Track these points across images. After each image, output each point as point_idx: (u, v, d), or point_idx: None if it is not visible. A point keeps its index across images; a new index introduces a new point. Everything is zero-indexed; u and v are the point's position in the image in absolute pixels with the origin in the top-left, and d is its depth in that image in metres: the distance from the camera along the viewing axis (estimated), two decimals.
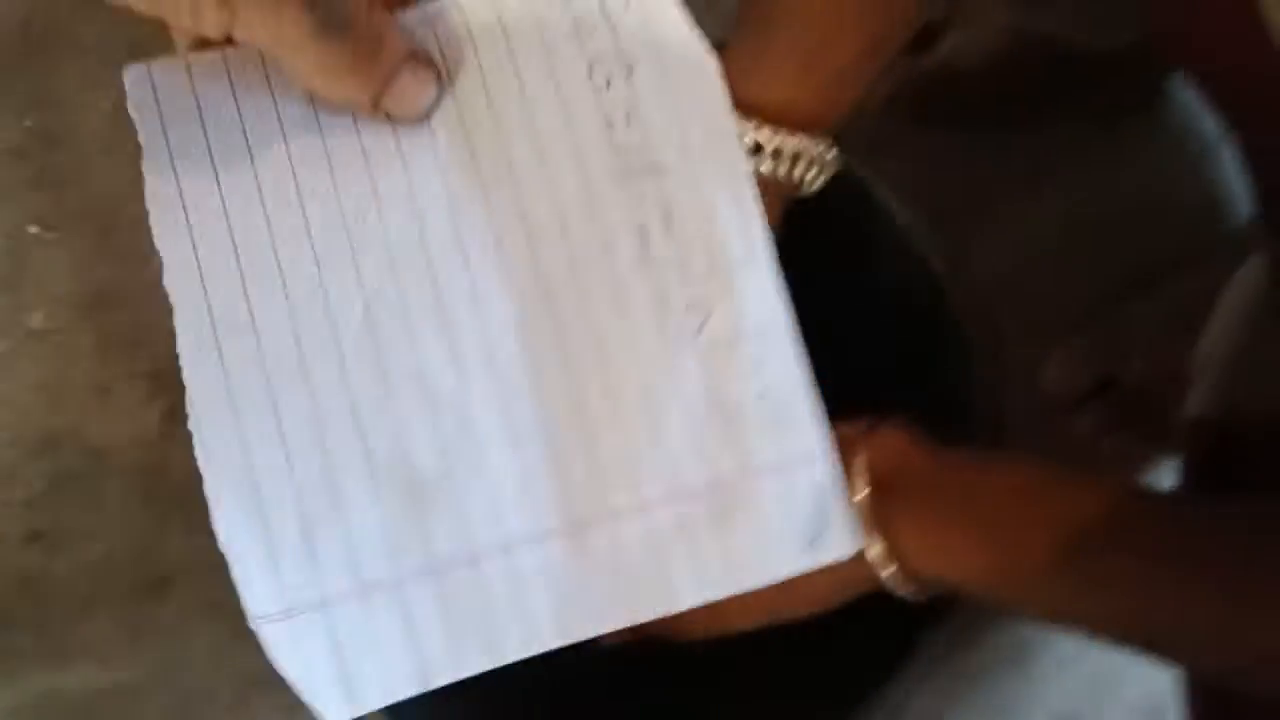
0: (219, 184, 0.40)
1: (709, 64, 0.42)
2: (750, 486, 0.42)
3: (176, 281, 0.39)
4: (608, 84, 0.42)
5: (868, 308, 0.58)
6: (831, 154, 0.47)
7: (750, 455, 0.42)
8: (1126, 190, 0.85)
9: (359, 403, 0.41)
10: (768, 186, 0.46)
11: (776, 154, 0.45)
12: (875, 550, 0.44)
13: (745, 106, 0.44)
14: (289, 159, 0.41)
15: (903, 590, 0.45)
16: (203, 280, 0.39)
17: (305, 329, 0.40)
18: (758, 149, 0.45)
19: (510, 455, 0.42)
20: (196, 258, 0.39)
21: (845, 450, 0.45)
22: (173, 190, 0.39)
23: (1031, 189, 0.85)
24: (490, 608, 0.42)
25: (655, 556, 0.42)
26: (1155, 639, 0.44)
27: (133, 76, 0.40)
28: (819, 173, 0.47)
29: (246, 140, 0.41)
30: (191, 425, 0.38)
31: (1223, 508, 0.46)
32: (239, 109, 0.41)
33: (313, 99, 0.40)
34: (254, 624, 0.39)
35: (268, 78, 0.40)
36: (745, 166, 0.42)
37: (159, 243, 0.38)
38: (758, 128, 0.45)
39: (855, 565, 0.44)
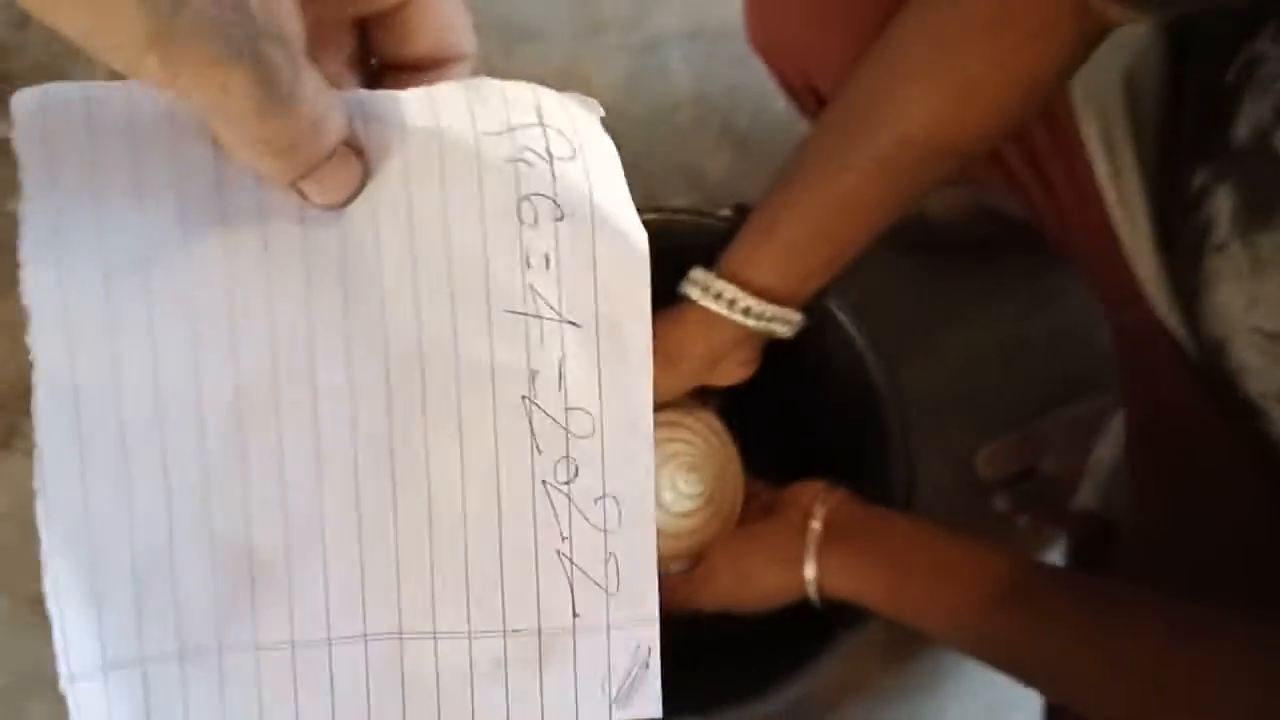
0: (100, 235, 0.36)
1: (639, 240, 0.41)
2: (580, 639, 0.41)
3: (42, 336, 0.36)
4: (535, 220, 0.39)
5: (825, 406, 0.73)
6: (799, 317, 0.63)
7: (588, 611, 0.41)
8: (1053, 324, 0.97)
9: (213, 479, 0.39)
10: (751, 337, 0.62)
11: (760, 315, 0.61)
12: (810, 573, 0.60)
13: (741, 282, 0.60)
14: (183, 227, 0.37)
15: (822, 602, 0.61)
16: (69, 336, 0.36)
17: (171, 400, 0.38)
18: (747, 311, 0.60)
19: (350, 559, 0.40)
20: (65, 313, 0.36)
21: (808, 498, 0.62)
22: (47, 234, 0.35)
23: (976, 313, 0.97)
24: (302, 693, 0.41)
25: (469, 684, 0.41)
26: (1001, 663, 0.57)
27: (24, 103, 0.35)
28: (790, 328, 0.63)
29: (139, 194, 0.36)
30: (36, 483, 0.35)
31: (1065, 573, 0.60)
32: (135, 158, 0.36)
33: (218, 157, 0.36)
34: (66, 685, 0.37)
35: (170, 124, 0.36)
36: (647, 340, 0.41)
37: (28, 291, 0.35)
38: (747, 297, 0.60)
39: (795, 579, 0.60)
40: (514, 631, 0.42)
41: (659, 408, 0.65)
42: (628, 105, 0.95)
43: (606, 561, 0.41)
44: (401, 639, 0.41)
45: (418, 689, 0.41)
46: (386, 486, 0.40)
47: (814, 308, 0.64)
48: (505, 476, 0.41)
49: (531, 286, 0.40)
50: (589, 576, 0.41)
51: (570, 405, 0.41)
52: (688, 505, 0.65)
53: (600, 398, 0.41)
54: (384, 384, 0.40)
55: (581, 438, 0.41)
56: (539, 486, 0.41)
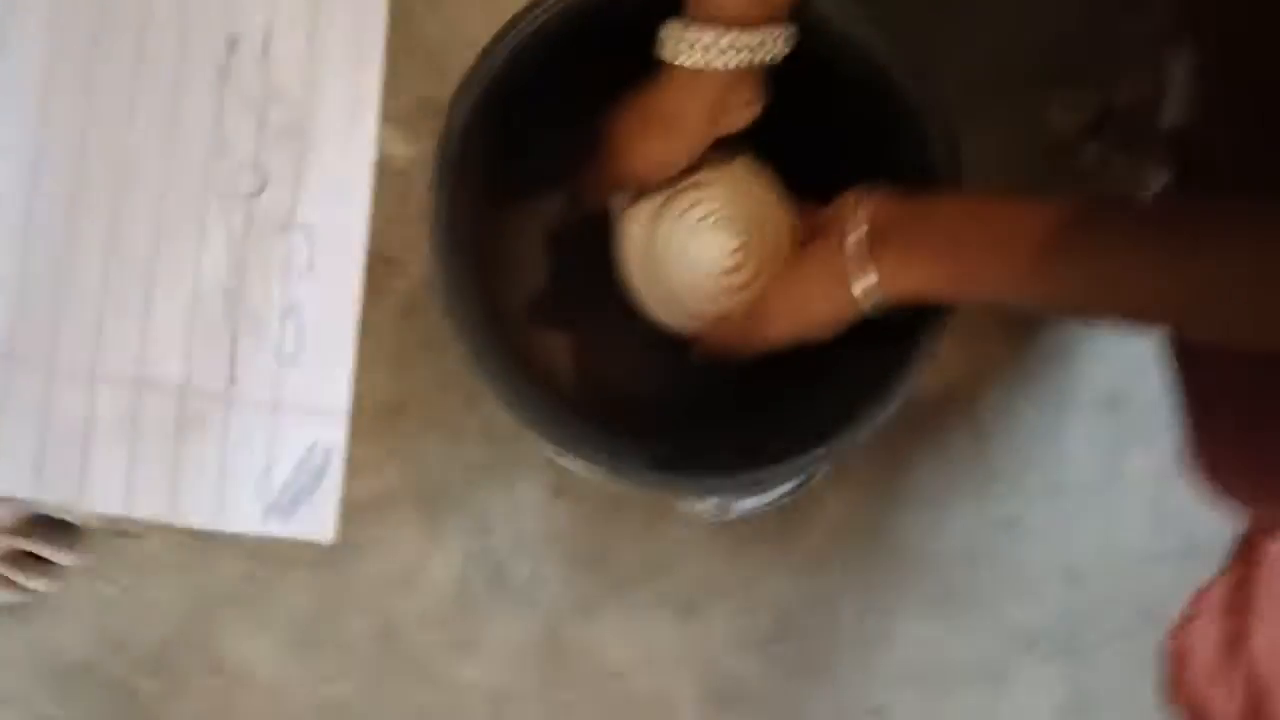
0: None
1: None
2: (233, 415, 0.32)
3: None
4: None
5: (846, 108, 0.68)
6: (790, 29, 0.59)
7: (248, 379, 0.32)
8: None
9: None
10: (745, 74, 0.59)
11: (744, 47, 0.57)
12: (869, 280, 0.58)
13: (710, 18, 0.56)
14: None
15: (877, 312, 0.59)
16: None
17: None
18: (728, 49, 0.56)
19: None
20: None
21: (849, 205, 0.60)
22: None
23: None
24: None
25: (81, 433, 0.33)
26: (1096, 308, 0.54)
27: None
28: (783, 47, 0.59)
29: None
30: None
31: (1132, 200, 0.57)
32: None
33: None
34: None
35: None
36: (379, 8, 0.30)
37: None
38: (724, 33, 0.56)
39: (849, 295, 0.58)
40: (149, 384, 0.32)
41: (683, 174, 0.65)
42: None
43: (284, 316, 0.31)
44: (9, 362, 0.32)
45: (18, 428, 0.32)
46: (25, 155, 0.31)
47: (801, 9, 0.60)
48: (174, 175, 0.31)
49: None
50: (258, 332, 0.31)
51: (271, 90, 0.31)
52: (729, 261, 0.65)
53: (312, 80, 0.31)
54: (47, 27, 0.30)
55: (278, 138, 0.31)
56: (212, 195, 0.31)
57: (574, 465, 0.63)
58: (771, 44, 0.59)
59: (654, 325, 0.70)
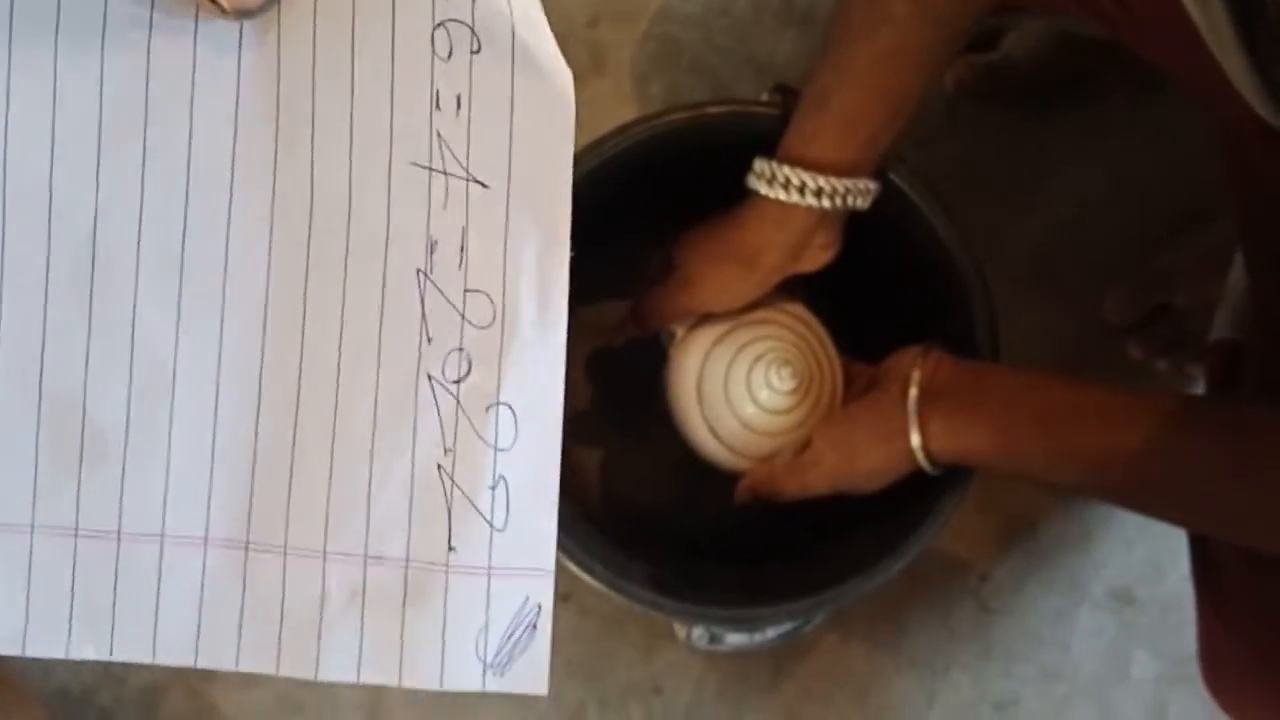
0: None
1: (563, 83, 0.35)
2: (454, 580, 0.35)
3: None
4: (450, 53, 0.34)
5: (904, 276, 0.71)
6: (874, 185, 0.61)
7: (466, 546, 0.35)
8: (1164, 154, 0.91)
9: (52, 331, 0.34)
10: (828, 217, 0.61)
11: (833, 193, 0.59)
12: (916, 440, 0.59)
13: (806, 163, 0.58)
14: (56, 22, 0.32)
15: (932, 469, 0.60)
16: None
17: (15, 229, 0.33)
18: (819, 192, 0.59)
19: (199, 447, 0.35)
20: None
21: (905, 365, 0.61)
22: None
23: (1082, 153, 0.92)
24: (123, 592, 0.36)
25: (319, 614, 0.36)
26: (1122, 498, 0.56)
27: None
28: (867, 198, 0.61)
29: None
30: None
31: (1172, 398, 0.57)
32: None
33: None
34: None
35: None
36: (564, 208, 0.35)
37: None
38: (816, 178, 0.58)
39: (902, 449, 0.59)
40: (376, 559, 0.35)
41: (746, 309, 0.66)
42: (681, 6, 0.93)
43: (494, 488, 0.35)
44: (248, 549, 0.35)
45: (259, 610, 0.36)
46: (252, 363, 0.35)
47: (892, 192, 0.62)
48: (387, 366, 0.35)
49: (439, 134, 0.34)
50: (471, 503, 0.35)
51: (470, 286, 0.35)
52: (786, 402, 0.65)
53: (504, 279, 0.35)
54: (265, 241, 0.34)
55: (479, 328, 0.35)
56: (424, 381, 0.35)
57: (576, 570, 0.64)
58: (858, 193, 0.61)
59: (684, 451, 0.70)
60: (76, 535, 0.35)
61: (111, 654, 0.36)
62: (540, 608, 0.35)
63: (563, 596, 0.87)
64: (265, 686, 0.86)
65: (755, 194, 0.61)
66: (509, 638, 0.36)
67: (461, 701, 0.87)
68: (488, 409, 0.35)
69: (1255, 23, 0.56)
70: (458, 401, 0.35)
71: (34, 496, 0.35)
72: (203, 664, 0.36)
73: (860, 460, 0.62)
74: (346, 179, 0.34)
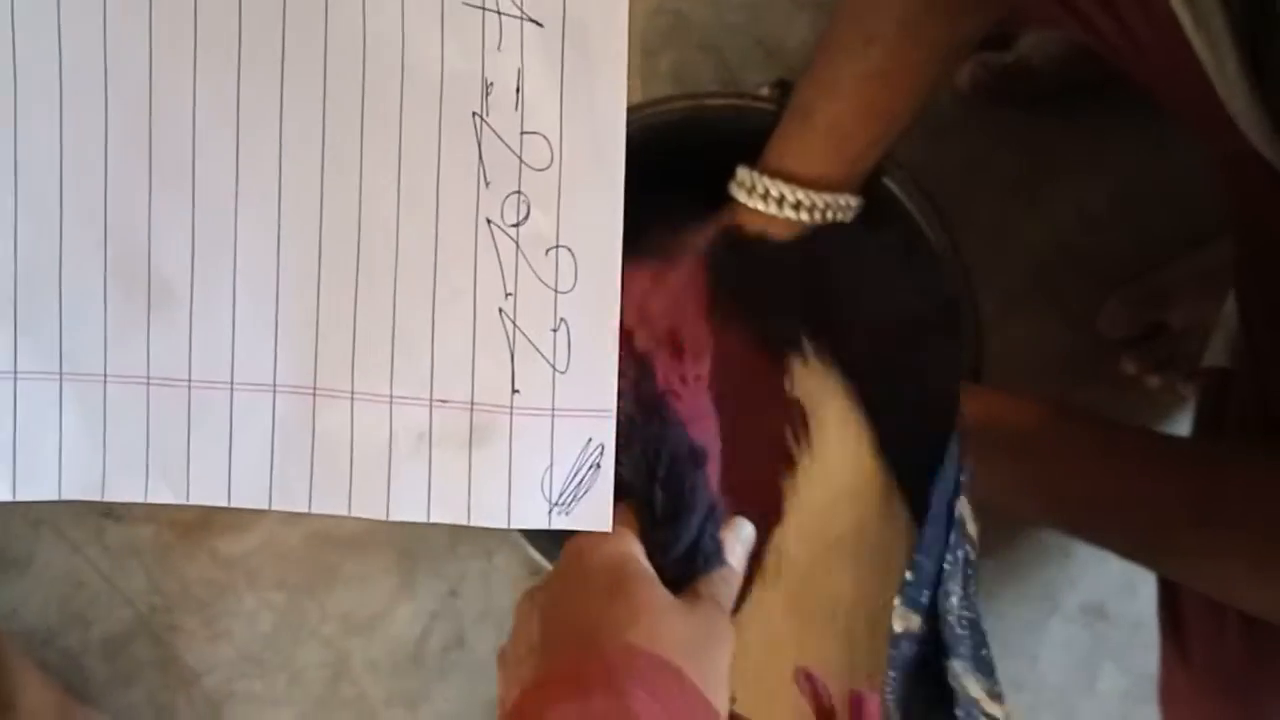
0: None
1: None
2: (518, 421, 0.36)
3: None
4: None
5: (895, 296, 0.66)
6: (856, 201, 0.60)
7: (530, 388, 0.36)
8: (1170, 170, 0.90)
9: (114, 184, 0.35)
10: (797, 226, 0.59)
11: (813, 208, 0.58)
12: None
13: (787, 175, 0.57)
14: None
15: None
16: None
17: (71, 85, 0.33)
18: (798, 206, 0.57)
19: (264, 297, 0.36)
20: None
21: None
22: None
23: (1091, 162, 0.91)
24: (196, 437, 0.37)
25: (387, 455, 0.37)
26: (1084, 535, 0.55)
27: None
28: (849, 214, 0.60)
29: None
30: None
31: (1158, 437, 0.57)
32: None
33: None
34: None
35: None
36: (621, 48, 0.34)
37: None
38: (795, 191, 0.57)
39: None
40: (441, 402, 0.36)
41: None
42: None
43: (556, 330, 0.36)
44: (315, 395, 0.36)
45: (328, 454, 0.37)
46: (312, 214, 0.35)
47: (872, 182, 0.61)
48: (445, 211, 0.35)
49: None
50: (534, 345, 0.35)
51: (526, 129, 0.34)
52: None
53: (561, 120, 0.34)
54: (319, 87, 0.34)
55: (537, 170, 0.35)
56: (483, 226, 0.35)
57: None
58: (839, 209, 0.60)
59: None
60: (149, 384, 0.36)
61: (188, 498, 0.37)
62: (603, 448, 0.36)
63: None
64: (228, 641, 0.87)
65: (735, 201, 0.60)
66: (573, 477, 0.37)
67: (424, 672, 0.87)
68: (547, 252, 0.35)
69: (1262, 56, 0.56)
70: (517, 245, 0.35)
71: (105, 348, 0.36)
72: (277, 506, 0.37)
73: None
74: (399, 20, 0.34)
